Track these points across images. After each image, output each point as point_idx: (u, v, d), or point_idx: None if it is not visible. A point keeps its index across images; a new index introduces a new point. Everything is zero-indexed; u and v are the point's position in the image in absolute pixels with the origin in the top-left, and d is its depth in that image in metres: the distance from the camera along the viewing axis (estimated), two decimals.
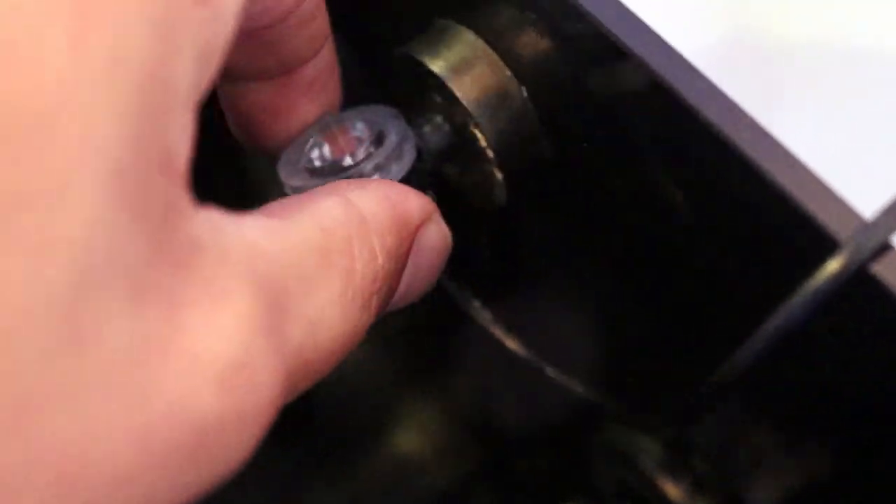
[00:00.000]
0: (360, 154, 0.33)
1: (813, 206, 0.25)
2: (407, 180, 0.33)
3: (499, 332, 0.40)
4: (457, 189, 0.36)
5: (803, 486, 0.36)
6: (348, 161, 0.33)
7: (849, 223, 0.25)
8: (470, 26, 0.33)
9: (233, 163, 0.50)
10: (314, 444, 0.52)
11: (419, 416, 0.52)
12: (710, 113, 0.26)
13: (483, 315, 0.39)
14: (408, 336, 0.51)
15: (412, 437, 0.52)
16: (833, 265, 0.24)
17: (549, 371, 0.38)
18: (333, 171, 0.33)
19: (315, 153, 0.33)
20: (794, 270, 0.25)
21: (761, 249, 0.27)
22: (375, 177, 0.32)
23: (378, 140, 0.33)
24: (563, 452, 0.46)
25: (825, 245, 0.25)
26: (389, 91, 0.36)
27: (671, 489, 0.40)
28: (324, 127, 0.33)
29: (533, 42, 0.32)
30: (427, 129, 0.34)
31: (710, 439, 0.38)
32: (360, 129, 0.33)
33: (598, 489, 0.43)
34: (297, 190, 0.33)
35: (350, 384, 0.53)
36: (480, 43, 0.33)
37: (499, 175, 0.34)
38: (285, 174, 0.33)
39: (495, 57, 0.33)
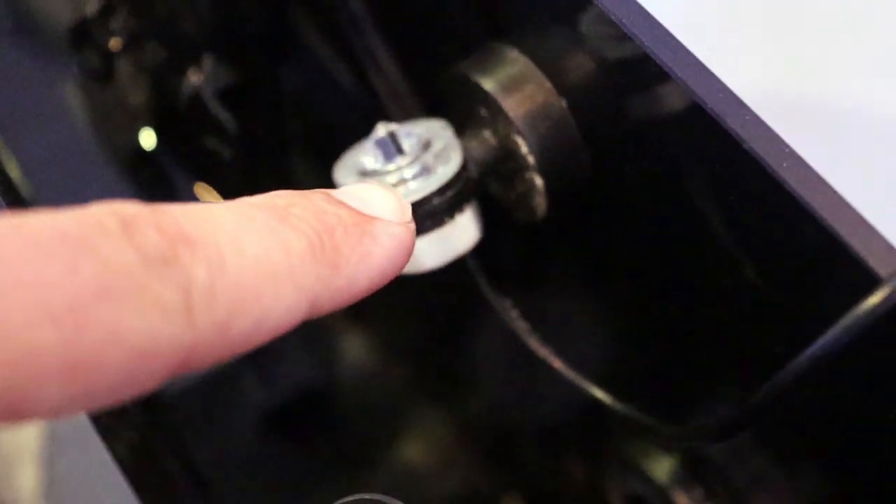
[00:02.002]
0: (408, 159, 0.31)
1: (856, 242, 0.22)
2: (452, 186, 0.31)
3: (525, 336, 0.38)
4: (499, 202, 0.34)
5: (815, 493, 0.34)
6: (396, 164, 0.31)
7: (891, 261, 0.22)
8: (519, 48, 0.31)
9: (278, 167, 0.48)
10: (331, 449, 0.51)
11: (433, 424, 0.50)
12: (755, 144, 0.24)
13: (515, 321, 0.37)
14: (428, 342, 0.49)
15: (425, 443, 0.50)
16: (873, 299, 0.22)
17: (572, 377, 0.36)
18: (382, 173, 0.31)
19: (367, 158, 0.32)
20: (832, 303, 0.23)
21: (802, 279, 0.25)
22: (420, 179, 0.31)
23: (426, 148, 0.32)
24: (575, 456, 0.44)
25: (867, 280, 0.22)
26: (441, 107, 0.34)
27: (683, 501, 0.38)
28: (378, 135, 0.31)
29: (578, 63, 0.30)
30: (474, 142, 0.32)
31: (723, 455, 0.36)
32: (410, 137, 0.32)
33: (610, 500, 0.42)
34: None
35: (367, 392, 0.52)
36: (528, 63, 0.31)
37: (539, 184, 0.32)
38: (340, 176, 0.32)
39: (541, 76, 0.31)
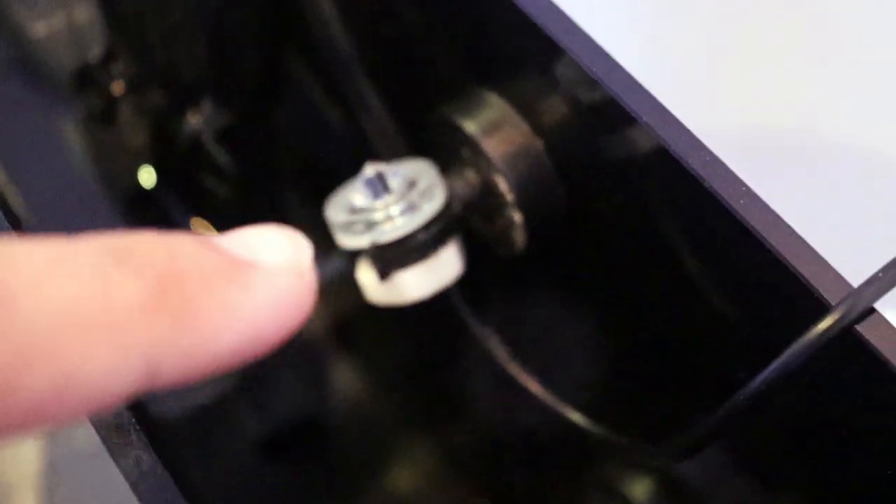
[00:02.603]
0: (395, 196, 0.33)
1: (807, 273, 0.24)
2: (436, 221, 0.33)
3: (506, 363, 0.39)
4: (481, 237, 0.35)
5: None
6: (384, 201, 0.33)
7: (839, 289, 0.24)
8: (498, 92, 0.33)
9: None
10: (322, 475, 0.52)
11: (421, 451, 0.51)
12: (714, 182, 0.26)
13: (496, 349, 0.39)
14: (415, 371, 0.50)
15: (414, 469, 0.51)
16: (823, 325, 0.24)
17: (552, 403, 0.38)
18: (370, 210, 0.33)
19: (356, 196, 0.33)
20: (788, 328, 0.25)
21: (760, 307, 0.27)
22: (406, 216, 0.33)
23: (411, 186, 0.33)
24: (559, 479, 0.45)
25: (817, 307, 0.24)
26: (425, 147, 0.36)
27: None
28: (366, 174, 0.33)
29: (553, 106, 0.32)
30: (457, 180, 0.34)
31: (699, 474, 0.37)
32: (396, 176, 0.33)
33: None
34: (338, 225, 0.33)
35: (357, 419, 0.53)
36: (507, 106, 0.33)
37: (518, 220, 0.34)
38: (331, 213, 0.34)
39: (519, 119, 0.33)
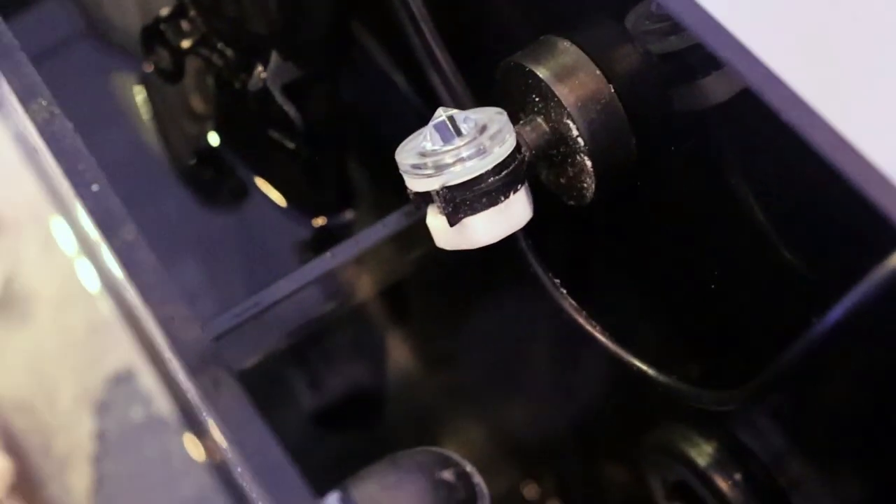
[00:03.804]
0: (465, 140, 0.33)
1: (884, 202, 0.24)
2: (506, 165, 0.33)
3: (572, 312, 0.39)
4: (550, 186, 0.36)
5: (853, 487, 0.35)
6: (454, 144, 0.33)
7: None
8: (570, 39, 0.34)
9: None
10: (375, 451, 0.53)
11: (476, 429, 0.52)
12: (791, 116, 0.26)
13: (563, 298, 0.39)
14: (473, 336, 0.51)
15: (468, 448, 0.51)
16: None
17: (619, 353, 0.38)
18: (440, 153, 0.33)
19: (428, 140, 0.34)
20: (863, 262, 0.25)
21: (833, 242, 0.27)
22: (476, 159, 0.33)
23: (482, 131, 0.34)
24: (617, 449, 0.46)
25: (893, 239, 0.24)
26: (494, 99, 0.36)
27: (724, 486, 0.39)
28: (437, 118, 0.34)
29: (625, 53, 0.33)
30: (528, 127, 0.35)
31: (759, 442, 0.37)
32: (467, 121, 0.34)
33: (652, 488, 0.43)
34: (408, 169, 0.34)
35: (411, 395, 0.53)
36: (579, 52, 0.34)
37: (589, 166, 0.34)
38: (401, 157, 0.34)
39: (591, 64, 0.34)
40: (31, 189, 0.75)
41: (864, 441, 0.33)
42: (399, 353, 0.57)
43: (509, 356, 0.50)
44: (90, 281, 0.76)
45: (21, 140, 0.73)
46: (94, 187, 0.27)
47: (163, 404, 0.74)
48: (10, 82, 0.31)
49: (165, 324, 0.27)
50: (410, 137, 0.36)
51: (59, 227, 0.75)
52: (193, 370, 0.27)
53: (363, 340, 0.57)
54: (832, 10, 0.39)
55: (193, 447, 0.69)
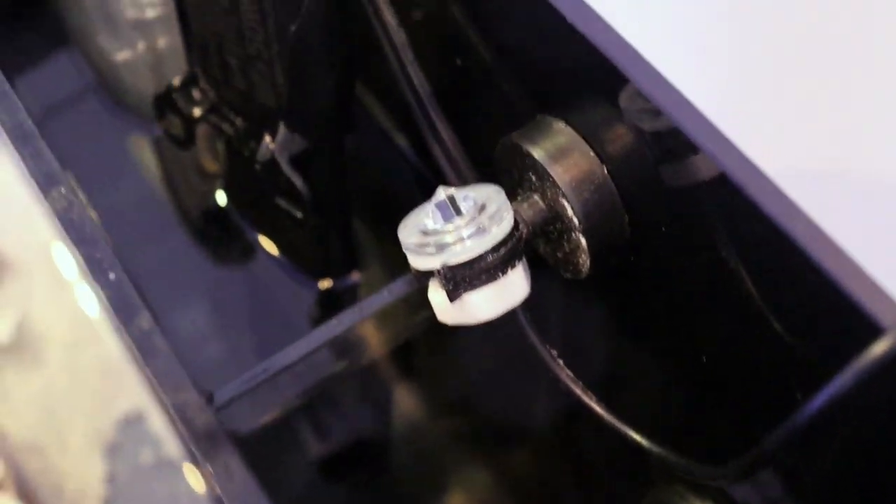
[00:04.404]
0: (465, 220, 0.34)
1: (862, 296, 0.26)
2: (504, 244, 0.34)
3: (570, 383, 0.40)
4: (547, 260, 0.37)
5: None
6: (454, 224, 0.34)
7: (892, 312, 0.25)
8: (565, 120, 0.35)
9: None
10: (381, 497, 0.53)
11: (479, 475, 0.53)
12: (772, 209, 0.27)
13: (560, 370, 0.40)
14: (475, 393, 0.52)
15: (471, 494, 0.52)
16: (878, 347, 0.25)
17: (614, 423, 0.39)
18: (441, 233, 0.34)
19: (428, 219, 0.35)
20: (844, 351, 0.26)
21: (816, 330, 0.28)
22: (476, 238, 0.34)
23: (481, 210, 0.35)
24: None
25: (872, 330, 0.25)
26: (493, 173, 0.37)
27: None
28: (438, 198, 0.35)
29: (617, 134, 0.34)
30: (524, 205, 0.36)
31: (756, 500, 0.38)
32: (467, 200, 0.35)
33: None
34: (410, 247, 0.35)
35: (416, 442, 0.54)
36: (573, 133, 0.35)
37: (584, 244, 0.35)
38: (404, 235, 0.35)
39: (585, 145, 0.35)
40: (41, 228, 0.77)
41: (856, 497, 0.34)
42: (405, 403, 0.58)
43: (511, 412, 0.51)
44: (100, 323, 0.77)
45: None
46: (111, 275, 0.29)
47: (172, 447, 0.75)
48: (29, 169, 0.32)
49: (178, 409, 0.28)
50: (412, 213, 0.37)
51: (68, 268, 0.76)
52: (204, 454, 0.28)
53: (369, 390, 0.57)
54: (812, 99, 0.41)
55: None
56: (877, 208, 0.39)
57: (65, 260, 0.75)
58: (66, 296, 0.77)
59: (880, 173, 0.40)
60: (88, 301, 0.72)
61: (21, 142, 0.33)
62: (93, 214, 0.55)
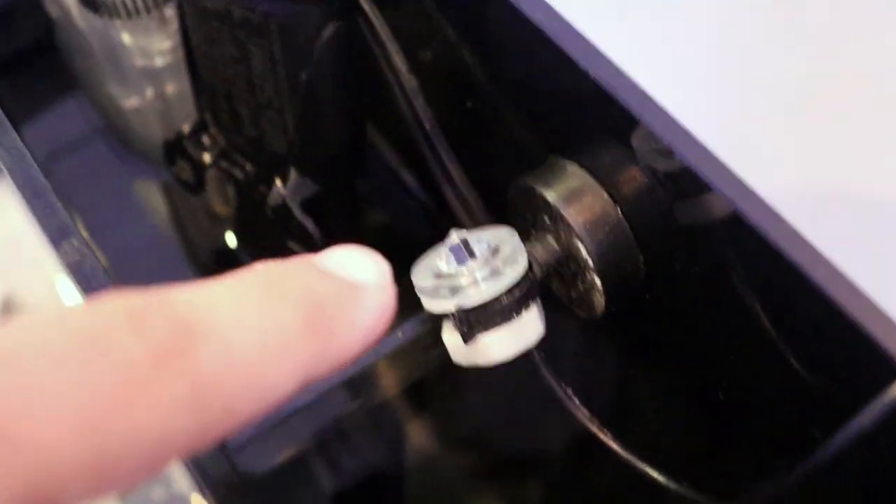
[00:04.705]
0: (479, 262, 0.35)
1: (881, 336, 0.26)
2: (519, 286, 0.34)
3: (585, 422, 0.40)
4: (561, 299, 0.37)
5: None
6: (468, 267, 0.34)
7: None
8: (578, 162, 0.35)
9: None
10: None
11: None
12: (790, 251, 0.28)
13: (576, 409, 0.40)
14: (488, 430, 0.51)
15: None
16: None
17: (628, 459, 0.39)
18: (455, 276, 0.34)
19: (441, 262, 0.35)
20: (863, 390, 0.26)
21: (834, 370, 0.28)
22: (490, 281, 0.34)
23: (495, 253, 0.35)
24: None
25: (891, 370, 0.25)
26: (506, 215, 0.38)
27: None
28: (451, 241, 0.35)
29: (630, 175, 0.34)
30: (538, 246, 0.36)
31: None
32: (480, 243, 0.35)
33: None
34: (424, 290, 0.35)
35: (429, 477, 0.54)
36: (586, 175, 0.35)
37: (598, 284, 0.35)
38: (418, 278, 0.35)
39: (598, 187, 0.35)
40: (51, 272, 0.76)
41: None
42: (418, 438, 0.58)
43: (525, 446, 0.51)
44: None
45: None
46: None
47: (183, 485, 0.74)
48: (41, 224, 0.32)
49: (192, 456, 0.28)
50: (425, 256, 0.37)
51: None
52: (220, 501, 0.28)
53: (382, 426, 0.57)
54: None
55: None
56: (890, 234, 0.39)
57: (74, 301, 0.75)
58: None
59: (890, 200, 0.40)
60: None
61: (34, 198, 0.33)
62: (102, 260, 0.56)
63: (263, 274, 0.23)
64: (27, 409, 0.18)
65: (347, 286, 0.25)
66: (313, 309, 0.23)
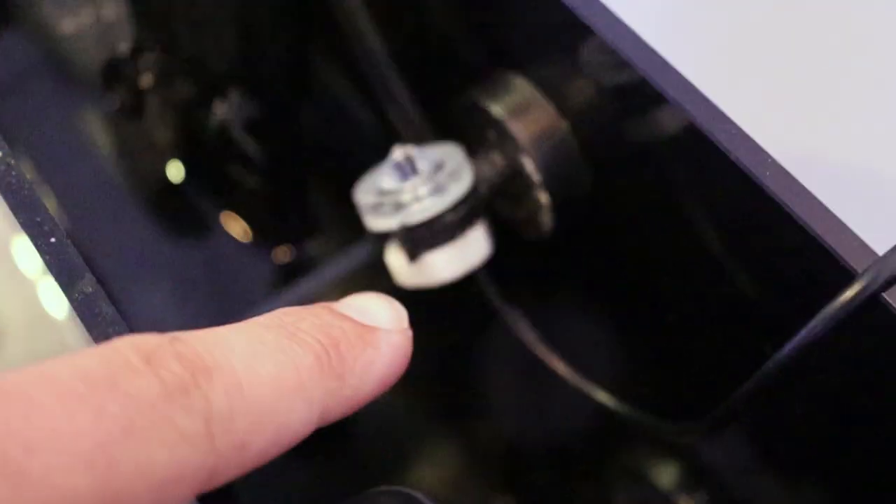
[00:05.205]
0: (423, 178, 0.33)
1: (833, 241, 0.25)
2: (464, 202, 0.33)
3: (535, 345, 0.39)
4: (508, 220, 0.36)
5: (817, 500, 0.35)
6: (412, 183, 0.33)
7: (864, 257, 0.24)
8: (523, 75, 0.34)
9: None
10: (345, 475, 0.52)
11: (445, 450, 0.52)
12: (740, 155, 0.26)
13: (525, 331, 0.39)
14: (440, 363, 0.51)
15: (438, 469, 0.51)
16: (849, 293, 0.24)
17: (580, 384, 0.38)
18: (398, 192, 0.33)
19: (385, 178, 0.34)
20: (814, 299, 0.25)
21: (786, 278, 0.27)
22: (434, 197, 0.33)
23: (439, 168, 0.34)
24: (583, 471, 0.46)
25: (843, 276, 0.24)
26: (451, 133, 0.36)
27: None
28: (395, 157, 0.34)
29: (578, 88, 0.33)
30: (484, 163, 0.35)
31: (724, 461, 0.38)
32: (424, 158, 0.34)
33: None
34: (366, 207, 0.34)
35: (380, 417, 0.53)
36: (533, 89, 0.34)
37: (545, 201, 0.34)
38: (360, 196, 0.34)
39: (545, 101, 0.34)
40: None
41: (824, 454, 0.33)
42: None
43: (476, 382, 0.50)
44: (57, 308, 0.75)
45: None
46: (52, 240, 0.27)
47: None
48: None
49: None
50: (367, 174, 0.36)
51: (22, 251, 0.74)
52: None
53: None
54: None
55: None
56: (848, 150, 0.38)
57: (27, 256, 0.73)
58: (22, 280, 0.75)
59: (849, 112, 0.40)
60: (46, 287, 0.70)
61: None
62: (52, 198, 0.54)
63: (278, 317, 0.24)
64: (38, 443, 0.18)
65: (363, 327, 0.25)
66: (328, 347, 0.23)
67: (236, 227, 0.50)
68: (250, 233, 0.50)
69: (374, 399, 0.25)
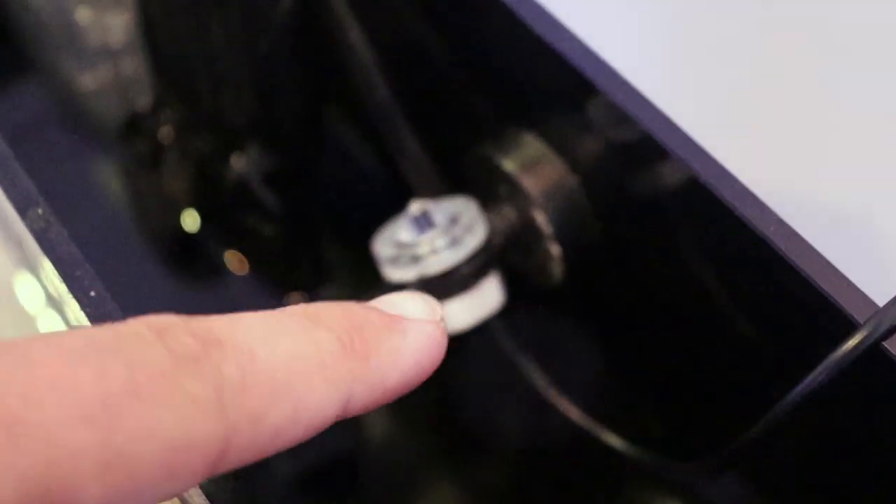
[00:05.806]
0: (439, 231, 0.35)
1: (834, 294, 0.26)
2: (478, 254, 0.34)
3: (544, 391, 0.40)
4: (520, 270, 0.37)
5: None
6: (428, 236, 0.35)
7: (865, 308, 0.26)
8: (534, 131, 0.35)
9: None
10: None
11: (451, 489, 0.52)
12: (745, 211, 0.28)
13: (534, 376, 0.40)
14: (448, 406, 0.51)
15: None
16: (851, 342, 0.25)
17: (588, 426, 0.39)
18: (416, 245, 0.34)
19: (402, 231, 0.35)
20: (817, 348, 0.26)
21: (790, 328, 0.28)
22: (450, 250, 0.34)
23: (454, 222, 0.35)
24: None
25: (845, 326, 0.26)
26: (464, 186, 0.37)
27: None
28: (412, 211, 0.35)
29: (587, 143, 0.34)
30: (497, 216, 0.36)
31: (726, 501, 0.38)
32: (440, 212, 0.35)
33: None
34: (385, 260, 0.35)
35: (388, 458, 0.54)
36: (542, 145, 0.35)
37: (556, 253, 0.35)
38: (379, 247, 0.35)
39: (555, 156, 0.35)
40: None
41: (825, 497, 0.34)
42: (377, 418, 0.58)
43: (486, 424, 0.51)
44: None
45: None
46: (92, 293, 0.28)
47: None
48: (6, 192, 0.32)
49: None
50: (385, 227, 0.37)
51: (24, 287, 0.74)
52: None
53: None
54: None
55: None
56: (849, 205, 0.39)
57: (29, 291, 0.73)
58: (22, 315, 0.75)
59: (851, 169, 0.41)
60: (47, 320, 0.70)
61: None
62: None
63: (300, 306, 0.23)
64: (37, 394, 0.17)
65: (389, 316, 0.24)
66: (350, 331, 0.22)
67: (239, 265, 0.51)
68: (247, 265, 0.51)
69: (408, 391, 0.24)
